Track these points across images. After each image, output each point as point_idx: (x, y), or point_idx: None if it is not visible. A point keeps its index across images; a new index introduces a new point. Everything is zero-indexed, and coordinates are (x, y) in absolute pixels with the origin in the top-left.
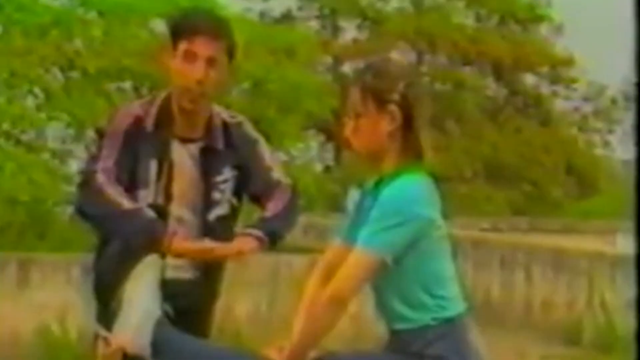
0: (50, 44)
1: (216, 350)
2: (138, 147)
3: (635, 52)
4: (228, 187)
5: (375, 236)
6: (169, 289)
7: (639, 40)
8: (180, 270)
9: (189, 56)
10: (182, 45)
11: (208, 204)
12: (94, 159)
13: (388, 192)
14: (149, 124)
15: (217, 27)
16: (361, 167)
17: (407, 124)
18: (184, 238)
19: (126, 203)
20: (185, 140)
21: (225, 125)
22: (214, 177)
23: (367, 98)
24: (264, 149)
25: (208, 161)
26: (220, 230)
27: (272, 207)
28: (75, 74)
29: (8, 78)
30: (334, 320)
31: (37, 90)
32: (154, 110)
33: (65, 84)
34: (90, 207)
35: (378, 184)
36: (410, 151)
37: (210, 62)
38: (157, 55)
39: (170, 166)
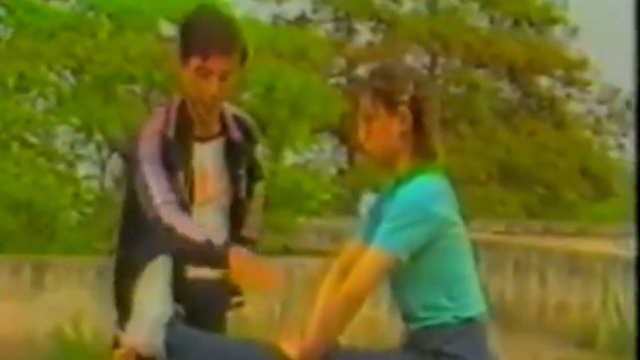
0: (59, 47)
1: (230, 342)
2: (168, 158)
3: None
4: (245, 176)
5: (391, 235)
6: (188, 288)
7: None
8: (205, 269)
9: (202, 71)
10: (195, 61)
11: (232, 195)
12: (145, 189)
13: (404, 192)
14: (171, 133)
15: (229, 41)
16: (376, 171)
17: (418, 125)
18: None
19: (196, 237)
20: (205, 139)
21: (236, 118)
22: (236, 170)
23: (378, 101)
24: (260, 152)
25: (231, 155)
26: (240, 214)
27: (250, 223)
28: (86, 78)
29: (17, 81)
30: (349, 318)
31: (48, 93)
32: (173, 119)
33: (75, 87)
34: (166, 247)
35: (395, 186)
36: (423, 151)
37: (224, 76)
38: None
39: (192, 172)
